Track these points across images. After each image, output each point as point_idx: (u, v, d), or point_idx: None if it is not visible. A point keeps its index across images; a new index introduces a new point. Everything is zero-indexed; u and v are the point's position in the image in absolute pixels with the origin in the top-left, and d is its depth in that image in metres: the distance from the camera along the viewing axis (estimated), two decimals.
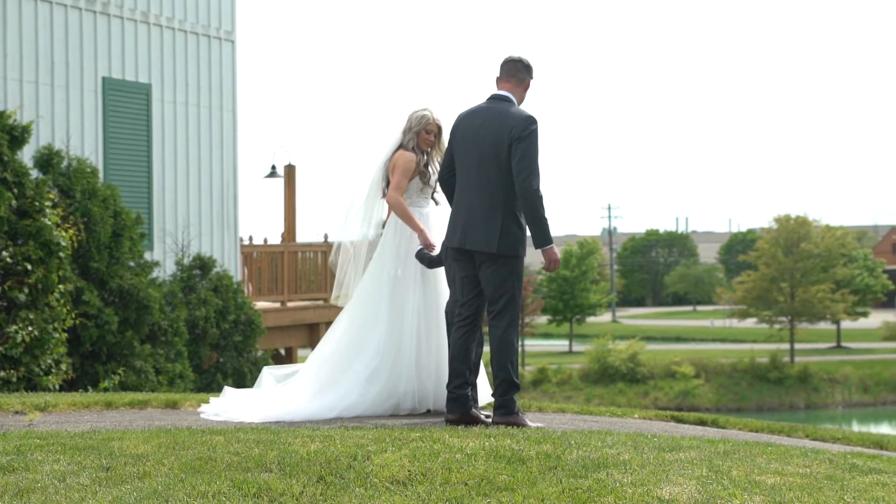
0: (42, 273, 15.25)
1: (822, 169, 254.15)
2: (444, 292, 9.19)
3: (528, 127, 8.49)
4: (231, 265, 23.78)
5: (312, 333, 25.75)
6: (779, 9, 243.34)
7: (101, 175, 19.69)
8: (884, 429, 53.56)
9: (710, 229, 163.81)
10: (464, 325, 8.65)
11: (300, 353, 26.06)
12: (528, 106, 8.80)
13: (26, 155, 17.80)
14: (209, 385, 20.73)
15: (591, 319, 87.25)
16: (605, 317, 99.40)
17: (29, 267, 15.08)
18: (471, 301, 8.68)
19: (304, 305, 26.24)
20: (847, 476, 6.54)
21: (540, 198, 8.44)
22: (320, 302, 26.20)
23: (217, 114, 23.74)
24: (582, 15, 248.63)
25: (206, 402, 9.98)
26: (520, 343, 68.55)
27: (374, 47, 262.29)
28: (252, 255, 25.85)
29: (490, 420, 8.59)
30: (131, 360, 18.03)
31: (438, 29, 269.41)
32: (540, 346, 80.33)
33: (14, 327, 14.74)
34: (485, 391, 9.28)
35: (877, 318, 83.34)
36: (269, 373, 9.88)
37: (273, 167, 31.26)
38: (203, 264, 21.84)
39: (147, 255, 20.72)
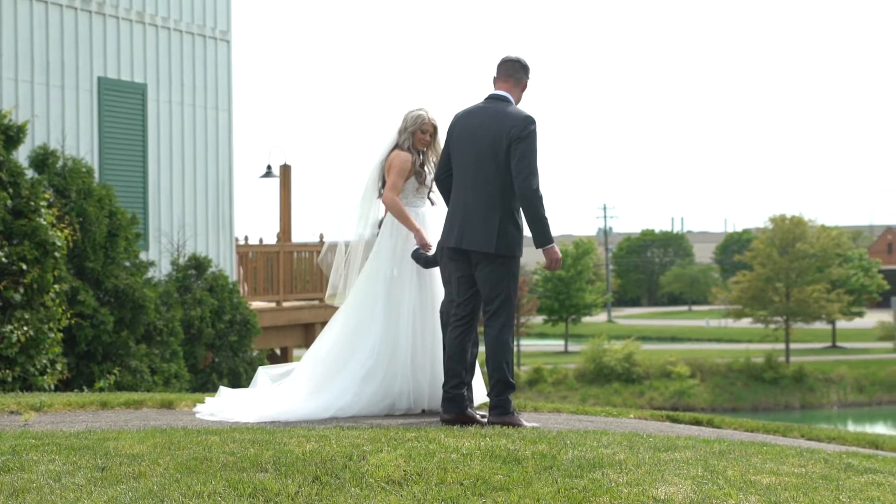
0: (37, 273, 15.24)
1: (818, 169, 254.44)
2: (440, 292, 9.20)
3: (527, 127, 8.49)
4: (226, 265, 23.77)
5: (308, 333, 25.75)
6: (775, 9, 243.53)
7: (96, 175, 19.67)
8: (879, 429, 53.60)
9: (705, 229, 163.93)
10: (460, 324, 8.65)
11: (295, 352, 26.04)
12: (525, 106, 8.81)
13: (21, 155, 17.80)
14: (204, 385, 20.73)
15: (586, 319, 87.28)
16: (601, 317, 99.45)
17: (24, 267, 15.07)
18: (467, 301, 8.68)
19: (300, 305, 26.24)
20: (842, 476, 6.55)
21: (540, 197, 8.45)
22: (316, 302, 26.20)
23: (212, 113, 23.73)
24: (578, 15, 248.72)
25: (202, 402, 9.98)
26: (515, 343, 68.65)
27: (369, 47, 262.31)
28: (247, 254, 25.84)
29: (485, 420, 8.59)
30: (127, 360, 18.03)
31: (434, 29, 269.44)
32: (535, 346, 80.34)
33: (9, 327, 14.73)
34: (480, 391, 9.29)
35: (872, 318, 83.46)
36: (264, 372, 9.88)
37: (268, 167, 31.23)
38: (198, 264, 21.83)
39: (142, 255, 20.71)
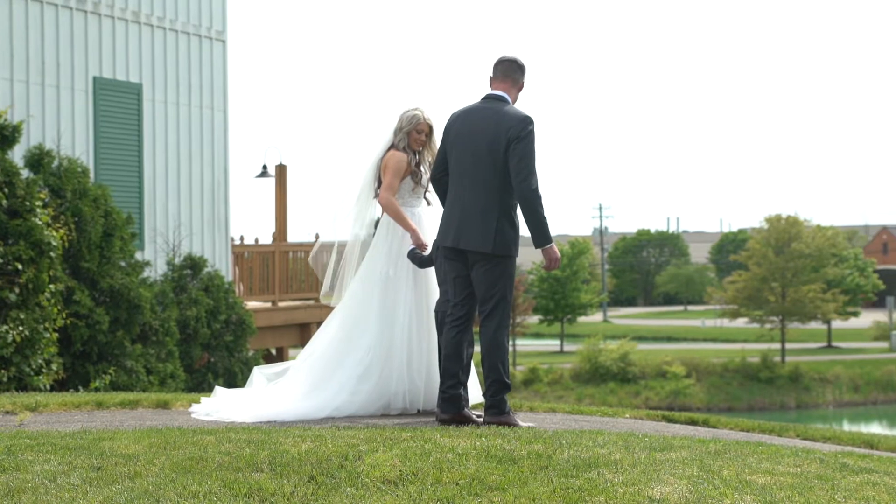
0: (33, 273, 15.23)
1: (813, 169, 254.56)
2: (436, 292, 9.19)
3: (525, 127, 8.48)
4: (222, 265, 23.75)
5: (303, 333, 25.73)
6: (770, 9, 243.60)
7: (91, 175, 19.66)
8: (874, 428, 53.63)
9: (701, 229, 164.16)
10: (456, 324, 8.64)
11: (291, 352, 26.03)
12: (521, 105, 8.80)
13: (17, 154, 17.78)
14: (200, 385, 20.71)
15: (582, 319, 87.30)
16: (597, 317, 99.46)
17: (19, 267, 15.06)
18: (463, 301, 8.68)
19: (296, 305, 26.22)
20: (838, 476, 6.55)
21: (539, 197, 8.45)
22: (311, 302, 26.18)
23: (208, 113, 23.71)
24: (573, 15, 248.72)
25: (197, 401, 9.98)
26: (511, 343, 68.88)
27: (365, 47, 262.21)
28: (243, 254, 25.83)
29: (481, 420, 8.59)
30: (122, 360, 18.01)
31: (430, 29, 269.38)
32: (531, 346, 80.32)
33: (4, 327, 14.72)
34: (475, 391, 9.29)
35: (867, 318, 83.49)
36: (259, 372, 9.88)
37: (264, 167, 31.22)
38: (194, 264, 21.82)
39: (138, 255, 20.69)
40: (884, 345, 76.56)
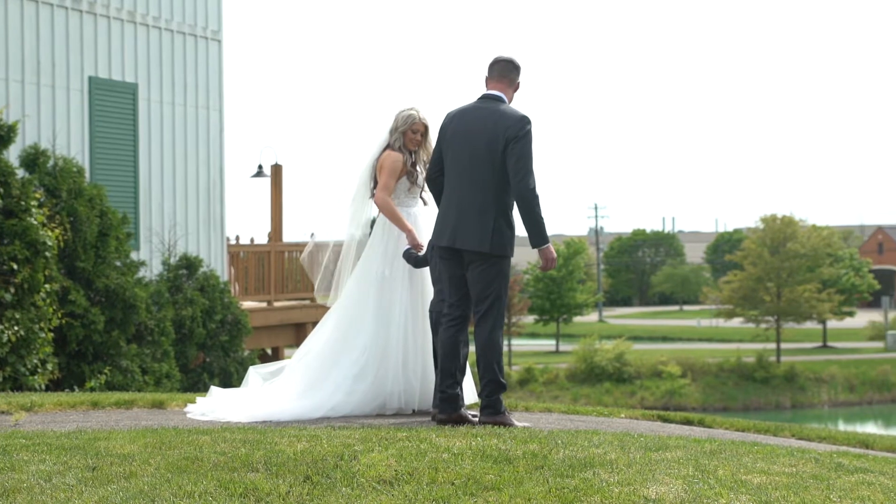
0: (28, 272, 15.23)
1: (809, 169, 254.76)
2: (431, 292, 9.20)
3: (523, 127, 8.48)
4: (218, 265, 23.75)
5: (299, 333, 25.73)
6: (765, 9, 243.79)
7: (87, 174, 19.65)
8: (869, 428, 53.66)
9: (696, 229, 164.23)
10: (453, 324, 8.64)
11: (287, 352, 26.02)
12: (516, 105, 8.80)
13: (12, 154, 17.77)
14: (195, 385, 20.71)
15: (577, 319, 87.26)
16: (592, 316, 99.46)
17: (15, 266, 15.06)
18: (459, 301, 8.68)
19: (291, 305, 26.23)
20: (833, 475, 6.55)
21: (537, 198, 8.45)
22: (307, 302, 26.18)
23: (203, 113, 23.70)
24: (569, 14, 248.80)
25: (193, 401, 9.98)
26: (506, 343, 68.88)
27: (361, 47, 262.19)
28: (239, 254, 25.83)
29: (477, 420, 8.60)
30: (117, 360, 18.01)
31: (425, 28, 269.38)
32: (527, 346, 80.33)
33: (0, 327, 14.71)
34: (470, 391, 9.29)
35: (863, 318, 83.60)
36: (255, 372, 9.88)
37: (260, 167, 31.22)
38: (189, 264, 21.81)
39: (133, 255, 20.69)
40: (879, 345, 76.61)
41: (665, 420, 10.93)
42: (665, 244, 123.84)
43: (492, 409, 8.51)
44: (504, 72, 8.80)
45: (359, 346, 9.22)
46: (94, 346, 17.82)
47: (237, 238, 26.58)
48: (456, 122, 8.71)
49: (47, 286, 15.69)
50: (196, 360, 21.50)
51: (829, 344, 78.58)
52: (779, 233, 74.40)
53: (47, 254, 15.54)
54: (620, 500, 5.65)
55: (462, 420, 8.51)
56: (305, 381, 9.25)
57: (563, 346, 78.30)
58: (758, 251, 74.01)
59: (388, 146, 9.38)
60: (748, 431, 10.55)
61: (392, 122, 9.41)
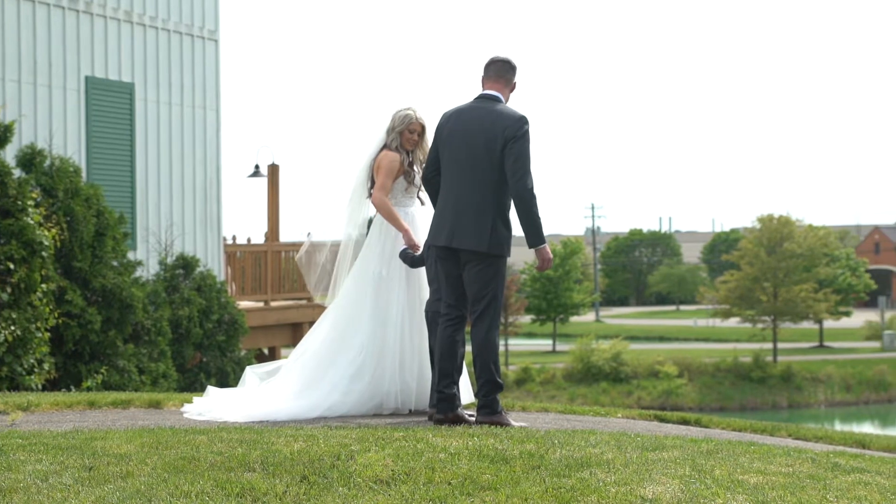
0: (24, 272, 15.22)
1: (805, 169, 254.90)
2: (428, 292, 9.19)
3: (522, 127, 8.48)
4: (214, 264, 23.74)
5: (296, 333, 25.71)
6: (763, 10, 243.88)
7: (84, 174, 19.63)
8: (866, 428, 53.68)
9: (693, 229, 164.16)
10: (451, 324, 8.63)
11: (283, 352, 26.01)
12: (512, 105, 8.79)
13: (9, 154, 17.76)
14: (192, 385, 20.69)
15: (574, 319, 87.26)
16: (589, 316, 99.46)
17: (11, 266, 15.05)
18: (457, 301, 8.67)
19: (288, 305, 26.21)
20: (829, 475, 6.56)
21: (534, 197, 8.45)
22: (304, 301, 26.17)
23: (200, 113, 23.69)
24: (565, 14, 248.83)
25: (190, 401, 9.97)
26: (503, 342, 68.89)
27: (357, 46, 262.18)
28: (235, 254, 25.81)
29: (474, 420, 8.60)
30: (114, 360, 18.00)
31: (422, 28, 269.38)
32: (523, 346, 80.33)
33: None
34: (467, 391, 9.29)
35: (859, 318, 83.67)
36: (252, 372, 9.88)
37: (256, 166, 31.19)
38: (186, 264, 21.80)
39: (130, 255, 20.68)
40: (875, 344, 76.66)
41: (662, 420, 10.93)
42: (662, 244, 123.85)
43: (488, 409, 8.51)
44: (501, 72, 8.80)
45: (355, 346, 9.22)
46: (91, 346, 17.81)
47: (234, 238, 26.57)
48: (453, 122, 8.70)
49: (44, 286, 15.68)
50: (193, 360, 21.49)
51: (826, 344, 78.62)
52: (775, 233, 74.43)
53: (44, 253, 15.53)
54: (617, 500, 5.65)
55: (459, 420, 8.51)
56: (302, 381, 9.24)
57: (560, 346, 78.29)
58: (754, 251, 74.04)
59: (385, 146, 9.38)
60: (745, 431, 10.55)
61: (389, 121, 9.41)
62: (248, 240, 27.25)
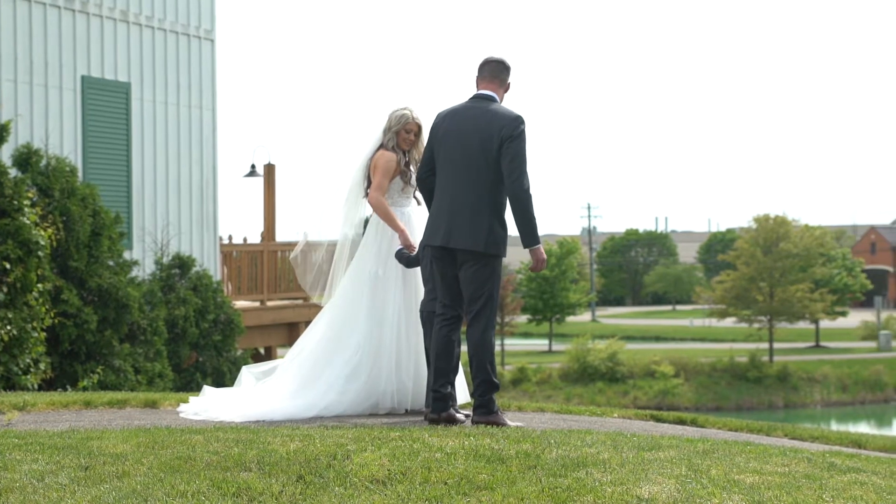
0: (20, 272, 15.21)
1: (801, 169, 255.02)
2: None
3: (518, 126, 8.48)
4: (210, 264, 23.72)
5: (292, 332, 25.69)
6: (759, 10, 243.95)
7: (80, 174, 19.62)
8: (862, 428, 53.70)
9: (689, 229, 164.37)
10: (447, 324, 8.63)
11: (280, 352, 25.98)
12: (508, 104, 8.79)
13: (5, 153, 17.75)
14: (188, 384, 20.68)
15: (570, 319, 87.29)
16: (585, 316, 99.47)
17: (7, 266, 15.04)
18: (453, 301, 8.67)
19: (284, 305, 26.19)
20: (825, 475, 6.56)
21: (530, 197, 8.45)
22: (300, 301, 26.15)
23: (196, 112, 23.68)
24: (562, 14, 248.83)
25: (186, 401, 9.97)
26: (499, 342, 68.87)
27: (354, 46, 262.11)
28: (231, 254, 25.79)
29: (468, 419, 8.60)
30: (110, 360, 17.99)
31: (419, 28, 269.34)
32: (520, 346, 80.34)
33: None
34: (463, 391, 9.29)
35: (855, 318, 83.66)
36: (248, 371, 9.88)
37: (253, 166, 31.18)
38: (182, 263, 21.79)
39: (126, 255, 20.65)
40: (871, 344, 76.68)
41: (658, 420, 10.93)
42: (658, 244, 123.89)
43: (485, 409, 8.51)
44: (495, 72, 8.80)
45: (352, 346, 9.21)
46: (87, 346, 17.80)
47: (230, 237, 26.55)
48: (448, 122, 8.70)
49: (40, 285, 15.66)
50: (189, 360, 21.47)
51: (822, 344, 78.64)
52: (771, 233, 74.46)
53: (40, 253, 15.52)
54: (613, 500, 5.65)
55: (451, 419, 8.51)
56: (298, 381, 9.24)
57: (556, 346, 78.30)
58: (750, 251, 74.07)
59: (381, 146, 9.38)
60: (741, 431, 10.55)
61: (385, 121, 9.41)
62: (245, 239, 27.23)
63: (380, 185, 9.23)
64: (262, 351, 26.40)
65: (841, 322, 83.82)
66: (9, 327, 14.85)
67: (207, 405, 9.45)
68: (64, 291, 17.42)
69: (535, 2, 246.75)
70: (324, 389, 9.12)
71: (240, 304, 24.53)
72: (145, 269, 21.63)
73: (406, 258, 9.14)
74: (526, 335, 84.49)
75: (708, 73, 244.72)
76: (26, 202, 15.78)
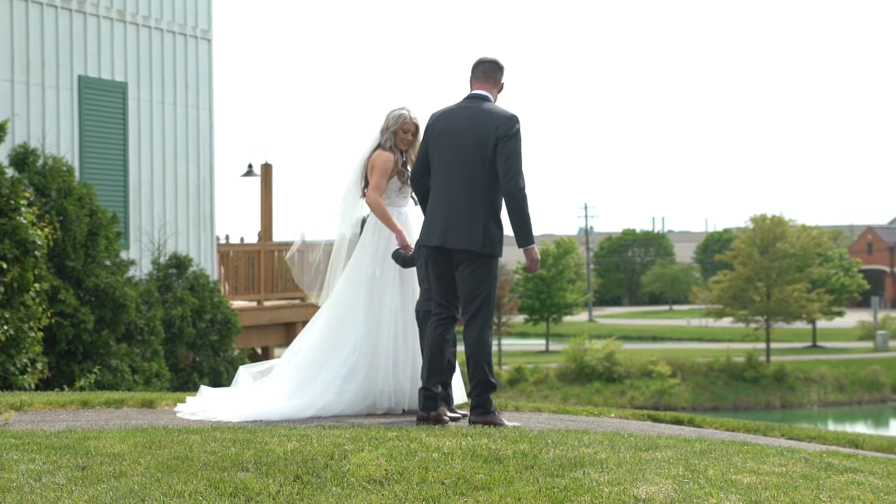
0: (17, 272, 15.20)
1: (798, 169, 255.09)
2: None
3: (513, 126, 8.48)
4: (207, 264, 23.72)
5: (289, 332, 25.70)
6: (756, 10, 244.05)
7: (76, 174, 19.62)
8: (859, 428, 53.71)
9: (686, 229, 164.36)
10: (442, 324, 8.63)
11: (277, 352, 25.99)
12: (503, 104, 8.79)
13: (1, 153, 17.75)
14: (185, 384, 20.69)
15: (567, 319, 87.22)
16: (582, 316, 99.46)
17: (4, 265, 15.03)
18: (448, 301, 8.67)
19: (281, 304, 26.20)
20: (822, 475, 6.56)
21: (526, 197, 8.45)
22: (297, 301, 26.15)
23: (193, 112, 23.68)
24: (559, 15, 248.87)
25: (183, 401, 9.97)
26: (496, 342, 68.84)
27: (351, 46, 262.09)
28: (228, 253, 25.79)
29: (463, 418, 8.60)
30: (107, 359, 17.98)
31: (416, 28, 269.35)
32: (517, 346, 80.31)
33: None
34: (460, 391, 9.29)
35: (852, 318, 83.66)
36: (245, 371, 9.87)
37: (250, 166, 31.20)
38: (179, 263, 21.79)
39: (123, 254, 20.66)
40: (868, 344, 76.69)
41: (655, 420, 10.93)
42: (655, 244, 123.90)
43: (482, 409, 8.51)
44: (489, 72, 8.80)
45: (349, 346, 9.21)
46: (84, 346, 17.79)
47: (227, 237, 26.56)
48: (443, 122, 8.70)
49: (37, 285, 15.66)
50: (186, 360, 21.47)
51: (819, 344, 78.66)
52: (768, 233, 74.44)
53: (37, 253, 15.51)
54: (610, 500, 5.65)
55: (439, 419, 8.50)
56: (295, 381, 9.24)
57: (553, 346, 78.27)
58: (747, 251, 74.05)
59: (379, 145, 9.37)
60: (738, 431, 10.55)
61: (383, 121, 9.40)
62: (242, 239, 27.25)
63: (377, 185, 9.23)
64: (259, 351, 26.41)
65: (838, 322, 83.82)
66: (5, 327, 14.84)
67: (204, 405, 9.45)
68: (61, 291, 17.41)
69: (533, 2, 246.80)
70: (321, 389, 9.12)
71: (237, 303, 24.53)
72: (142, 268, 21.64)
73: (402, 258, 9.14)
74: (523, 335, 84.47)
75: (705, 73, 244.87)
76: (23, 202, 15.77)
